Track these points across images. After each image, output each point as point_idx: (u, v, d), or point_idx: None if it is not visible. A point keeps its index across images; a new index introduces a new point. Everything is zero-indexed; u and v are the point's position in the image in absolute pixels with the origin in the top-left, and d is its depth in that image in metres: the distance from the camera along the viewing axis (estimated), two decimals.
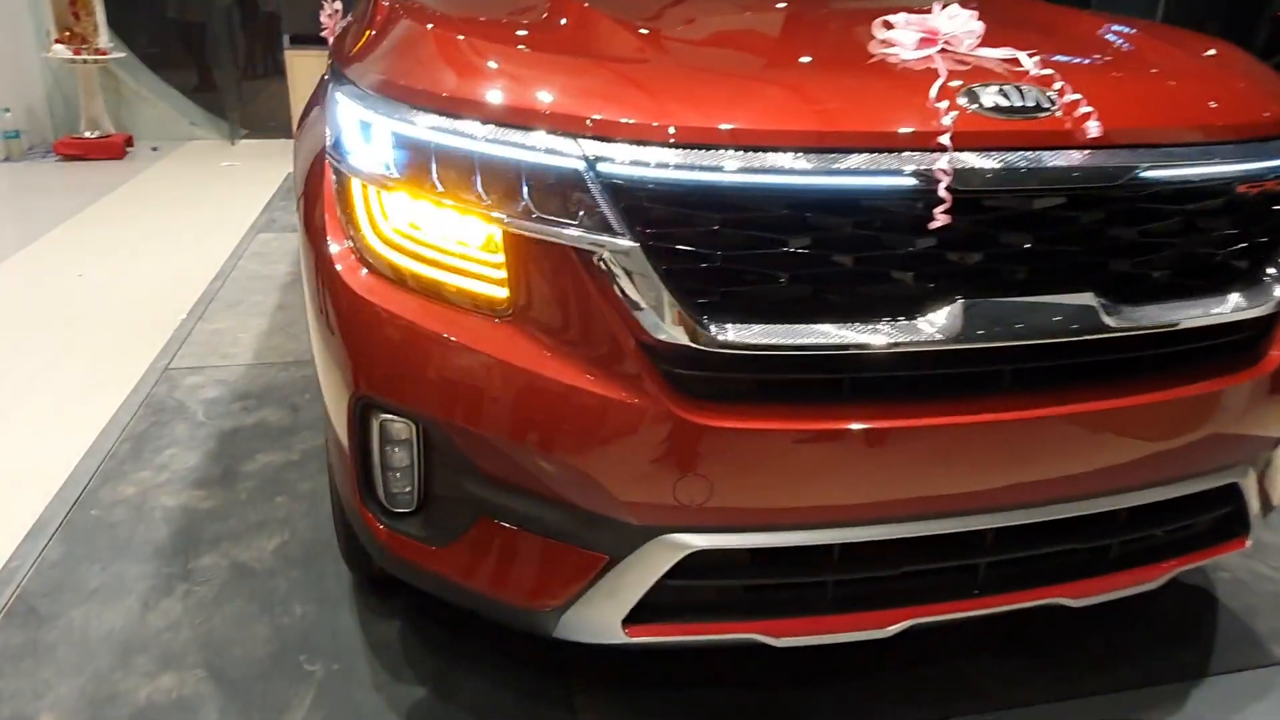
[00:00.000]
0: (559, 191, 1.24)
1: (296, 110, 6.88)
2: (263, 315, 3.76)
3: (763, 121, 1.22)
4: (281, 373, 3.21)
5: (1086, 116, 1.28)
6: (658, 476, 1.27)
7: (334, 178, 1.47)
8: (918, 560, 1.40)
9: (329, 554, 2.18)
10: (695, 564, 1.33)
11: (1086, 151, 1.28)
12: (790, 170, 1.20)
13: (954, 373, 1.31)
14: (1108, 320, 1.31)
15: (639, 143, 1.21)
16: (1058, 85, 1.32)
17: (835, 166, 1.21)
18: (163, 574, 2.10)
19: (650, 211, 1.22)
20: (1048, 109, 1.29)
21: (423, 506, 1.46)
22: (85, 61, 6.65)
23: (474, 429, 1.33)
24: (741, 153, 1.20)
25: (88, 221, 5.19)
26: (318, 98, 1.97)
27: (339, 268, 1.39)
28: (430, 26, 1.54)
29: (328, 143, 1.50)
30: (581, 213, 1.23)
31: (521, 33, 1.58)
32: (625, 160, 1.21)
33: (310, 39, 6.77)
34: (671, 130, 1.21)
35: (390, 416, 1.39)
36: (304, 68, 6.81)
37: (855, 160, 1.22)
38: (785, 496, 1.30)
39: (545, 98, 1.27)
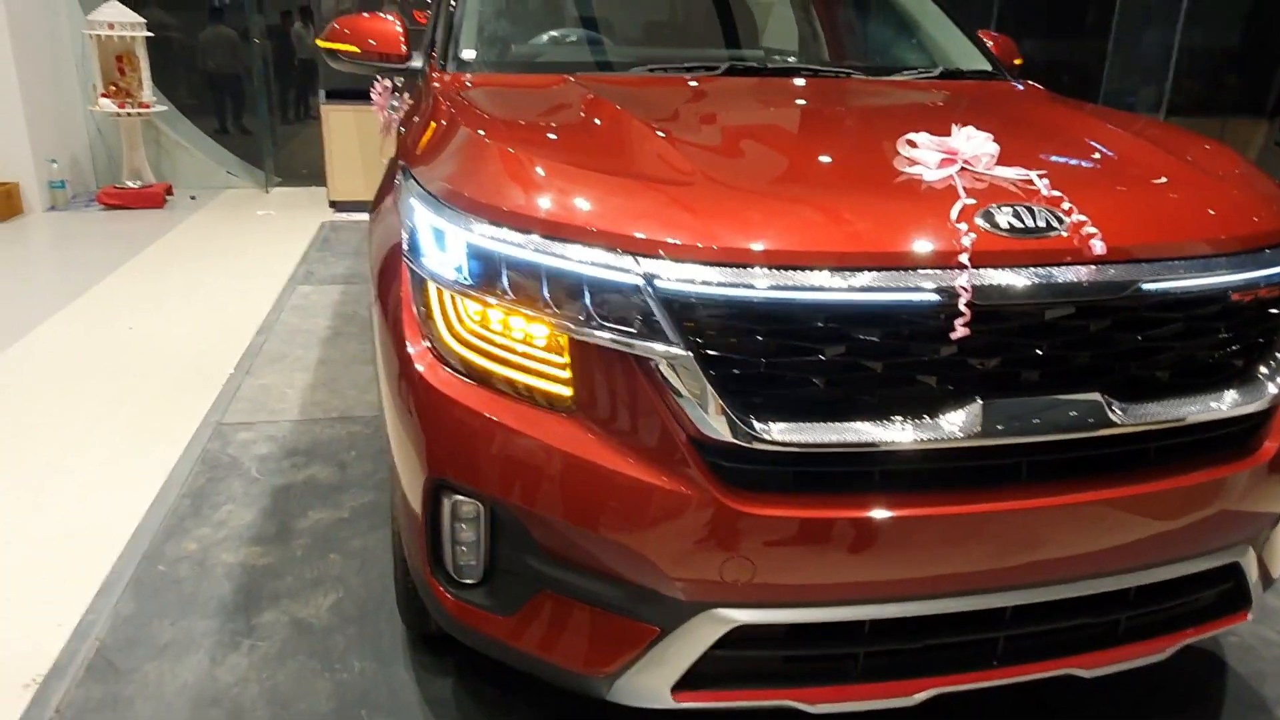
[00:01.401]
0: (620, 304, 1.39)
1: (331, 165, 7.15)
2: (306, 370, 3.94)
3: (800, 242, 1.38)
4: (327, 429, 3.37)
5: (1092, 236, 1.43)
6: (706, 558, 1.41)
7: (410, 277, 1.63)
8: (942, 634, 1.53)
9: (382, 611, 2.32)
10: (739, 636, 1.46)
11: (1093, 267, 1.43)
12: (826, 287, 1.35)
13: (974, 465, 1.45)
14: (1114, 417, 1.45)
15: (691, 262, 1.37)
16: (1065, 206, 1.47)
17: (865, 284, 1.36)
18: (227, 630, 2.24)
19: (701, 322, 1.37)
20: (1057, 228, 1.44)
21: (487, 578, 1.60)
22: (130, 115, 6.93)
23: (538, 511, 1.47)
24: (781, 271, 1.35)
25: (134, 272, 5.41)
26: (388, 187, 2.14)
27: (417, 363, 1.54)
28: (492, 140, 1.71)
29: (403, 243, 1.66)
30: (640, 323, 1.38)
31: (572, 145, 1.74)
32: (679, 278, 1.36)
33: (347, 94, 7.06)
34: (719, 250, 1.37)
35: (461, 497, 1.54)
36: (340, 122, 7.10)
37: (883, 278, 1.37)
38: (821, 576, 1.44)
39: (607, 219, 1.43)
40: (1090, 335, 1.46)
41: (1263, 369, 1.57)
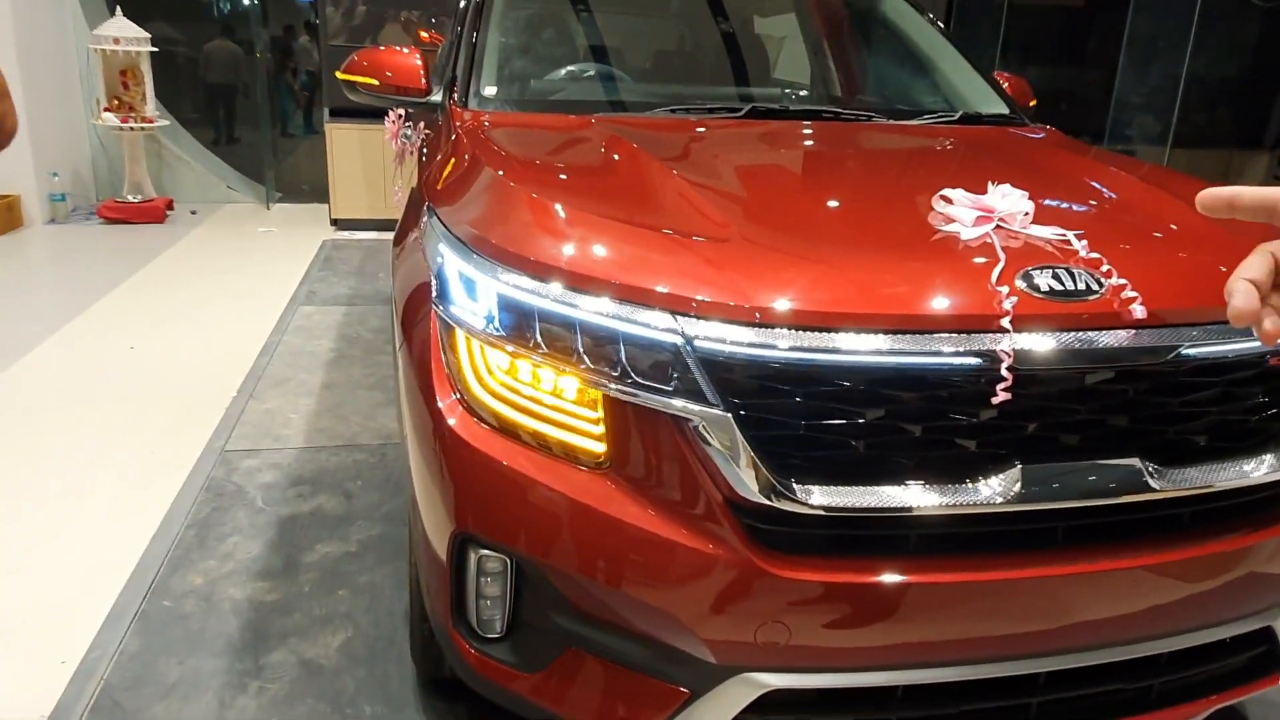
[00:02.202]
0: (658, 362, 1.37)
1: (334, 183, 7.13)
2: (310, 395, 3.90)
3: (842, 304, 1.36)
4: (333, 457, 3.34)
5: (1132, 300, 1.42)
6: (740, 621, 1.39)
7: (439, 323, 1.61)
8: (975, 699, 1.50)
9: (392, 652, 2.28)
10: (771, 700, 1.44)
11: (1132, 331, 1.42)
12: (867, 351, 1.34)
13: (1010, 529, 1.43)
14: (1152, 482, 1.44)
15: (732, 322, 1.35)
16: (1105, 268, 1.46)
17: (907, 347, 1.35)
18: (235, 670, 2.20)
19: (739, 383, 1.35)
20: (1097, 291, 1.43)
21: (511, 633, 1.57)
22: (133, 129, 6.91)
23: (568, 570, 1.44)
24: (823, 334, 1.34)
25: (134, 289, 5.37)
26: (411, 222, 2.12)
27: (446, 414, 1.52)
28: (524, 186, 1.69)
29: (432, 290, 1.64)
30: (678, 383, 1.36)
31: (605, 195, 1.73)
32: (719, 338, 1.35)
33: (352, 112, 7.05)
34: (760, 311, 1.35)
35: (488, 552, 1.51)
36: (344, 141, 7.09)
37: (924, 341, 1.35)
38: (857, 640, 1.41)
39: (646, 275, 1.41)
40: (1129, 400, 1.45)
41: None
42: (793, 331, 1.34)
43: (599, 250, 1.48)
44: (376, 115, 7.26)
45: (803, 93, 3.25)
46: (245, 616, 2.40)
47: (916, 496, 1.38)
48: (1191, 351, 1.44)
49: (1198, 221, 1.73)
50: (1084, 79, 7.74)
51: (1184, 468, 1.48)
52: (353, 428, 3.60)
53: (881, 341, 1.35)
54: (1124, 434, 1.46)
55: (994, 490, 1.39)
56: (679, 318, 1.37)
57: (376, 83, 2.56)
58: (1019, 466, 1.40)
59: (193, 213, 7.43)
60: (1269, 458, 1.53)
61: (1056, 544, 1.46)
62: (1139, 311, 1.41)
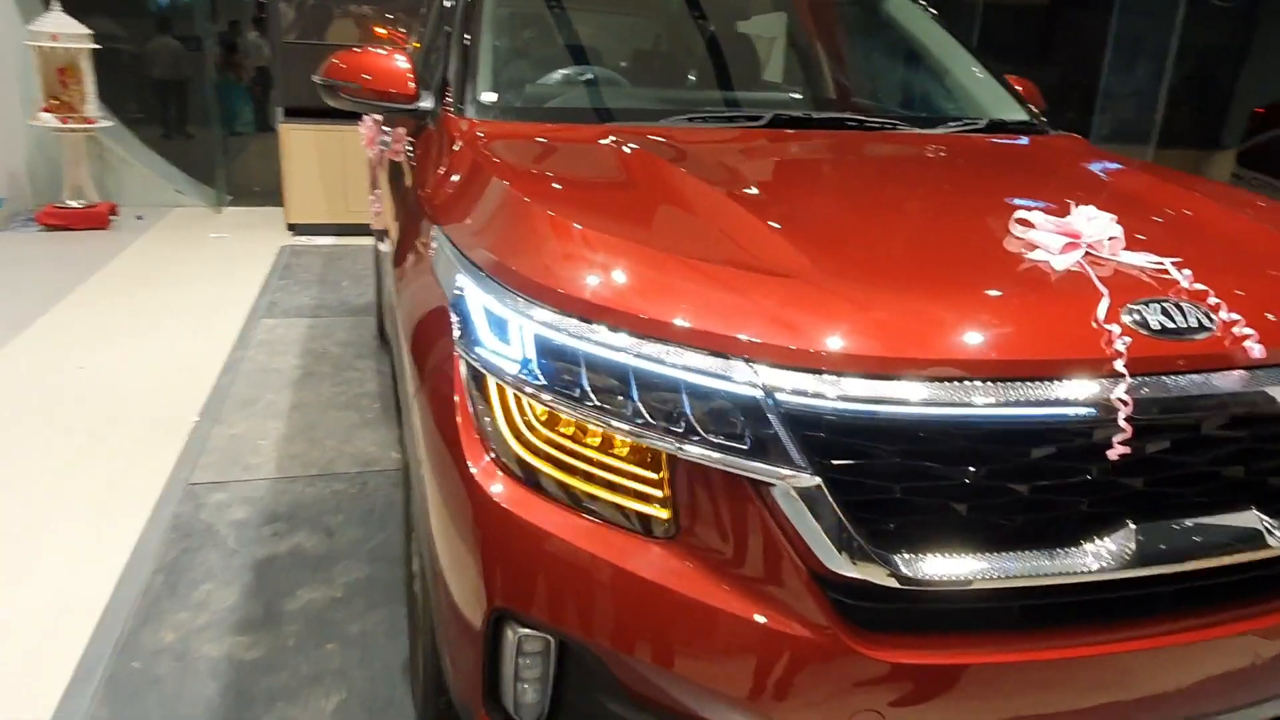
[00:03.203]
0: (733, 419, 1.20)
1: (290, 186, 6.81)
2: (279, 417, 3.65)
3: (945, 351, 1.20)
4: (309, 488, 3.10)
5: (1247, 337, 1.28)
6: (830, 711, 1.22)
7: (465, 371, 1.41)
8: None
9: (391, 713, 2.07)
10: None
11: (1248, 372, 1.28)
12: (975, 403, 1.18)
13: (1120, 596, 1.29)
14: (1270, 539, 1.30)
15: (821, 372, 1.18)
16: (1212, 300, 1.32)
17: (1017, 397, 1.19)
18: None
19: (831, 443, 1.18)
20: (1209, 328, 1.29)
21: (553, 718, 1.39)
22: (72, 130, 6.52)
23: (627, 653, 1.26)
24: (927, 384, 1.18)
25: (80, 302, 5.03)
26: (411, 241, 1.91)
27: (482, 479, 1.33)
28: (558, 212, 1.50)
29: (453, 328, 1.45)
30: (757, 442, 1.19)
31: (650, 221, 1.55)
32: (807, 391, 1.17)
33: (307, 112, 6.74)
34: (855, 360, 1.18)
35: (530, 632, 1.33)
36: (299, 142, 6.78)
37: (1036, 390, 1.20)
38: None
39: (718, 318, 1.23)
40: (1243, 449, 1.31)
41: None
42: (894, 382, 1.17)
43: (656, 287, 1.29)
44: (334, 115, 6.95)
45: (826, 98, 3.11)
46: (225, 678, 2.17)
47: (1024, 564, 1.22)
48: None
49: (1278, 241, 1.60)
50: (1062, 79, 7.76)
51: None
52: (328, 453, 3.36)
53: (990, 392, 1.19)
54: (1237, 485, 1.32)
55: (1108, 554, 1.24)
56: (759, 368, 1.20)
57: (359, 87, 2.33)
58: (1131, 527, 1.26)
59: (138, 218, 7.04)
60: None
61: (1166, 609, 1.32)
62: (1256, 351, 1.28)
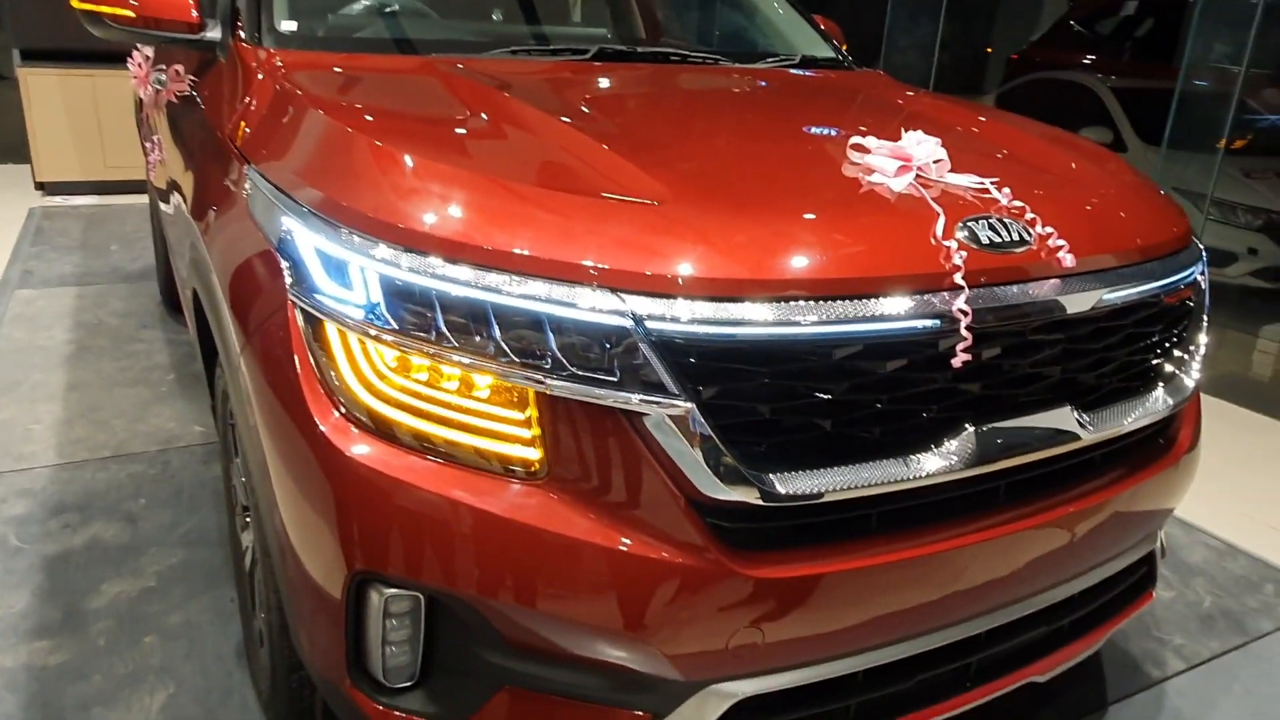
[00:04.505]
0: (603, 351, 1.16)
1: (36, 141, 6.02)
2: (53, 399, 3.24)
3: (808, 271, 1.23)
4: (100, 472, 2.78)
5: (1060, 248, 1.40)
6: (713, 631, 1.24)
7: (302, 320, 1.29)
8: (928, 669, 1.46)
9: (232, 703, 1.92)
10: (737, 709, 1.31)
11: (1061, 280, 1.40)
12: (837, 319, 1.21)
13: (960, 495, 1.39)
14: (1082, 431, 1.44)
15: (691, 298, 1.17)
16: (1029, 216, 1.42)
17: (873, 313, 1.23)
18: None
19: (702, 369, 1.18)
20: (1028, 241, 1.39)
21: (427, 679, 1.33)
22: None
23: (505, 601, 1.22)
24: (794, 304, 1.20)
25: None
26: (215, 187, 1.72)
27: (332, 435, 1.22)
28: (396, 144, 1.38)
29: (285, 278, 1.31)
30: (628, 371, 1.16)
31: (496, 152, 1.47)
32: (678, 317, 1.16)
33: (49, 55, 5.92)
34: (721, 283, 1.18)
35: (397, 591, 1.25)
36: (43, 89, 5.99)
37: (889, 305, 1.25)
38: (828, 630, 1.31)
39: (581, 247, 1.19)
40: (1060, 351, 1.43)
41: (1182, 367, 1.63)
42: (761, 304, 1.18)
43: (514, 218, 1.23)
44: (83, 58, 6.18)
45: (638, 38, 3.07)
46: (27, 690, 1.92)
47: (880, 473, 1.28)
48: (1110, 296, 1.45)
49: (1083, 168, 1.75)
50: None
51: (1102, 413, 1.50)
52: (118, 434, 3.02)
53: (844, 309, 1.22)
54: (1055, 386, 1.45)
55: (951, 456, 1.33)
56: (626, 295, 1.17)
57: (131, 14, 2.05)
58: (969, 430, 1.35)
59: None
60: (1162, 394, 1.60)
61: (1000, 502, 1.43)
62: (1068, 260, 1.39)
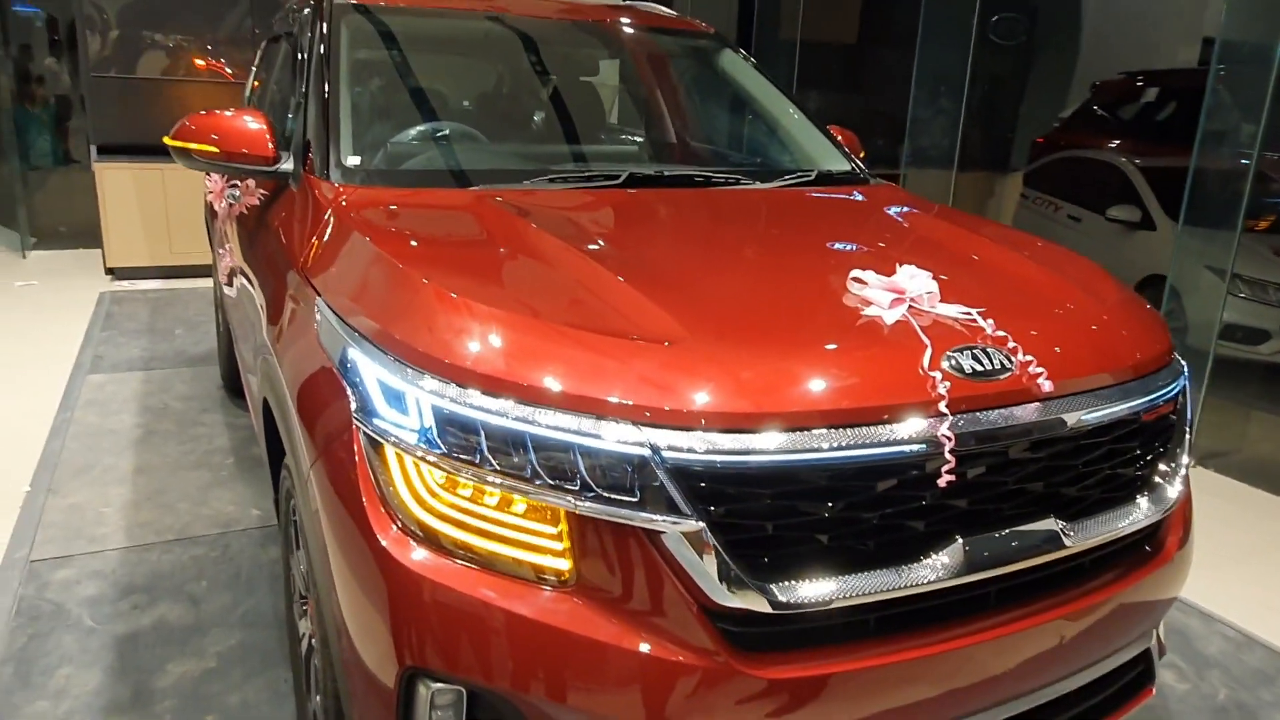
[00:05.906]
0: (624, 476, 1.34)
1: (109, 228, 6.42)
2: (122, 483, 3.48)
3: (810, 403, 1.40)
4: (165, 555, 2.99)
5: (1039, 375, 1.55)
6: None
7: (365, 442, 1.48)
8: None
9: None
10: None
11: (1040, 404, 1.55)
12: (835, 447, 1.38)
13: (954, 600, 1.52)
14: (1066, 540, 1.57)
15: (701, 429, 1.34)
16: (1011, 345, 1.58)
17: (869, 439, 1.40)
18: None
19: (713, 492, 1.35)
20: (1009, 368, 1.54)
21: None
22: None
23: (539, 698, 1.37)
24: (796, 434, 1.36)
25: None
26: (286, 302, 1.95)
27: (388, 545, 1.40)
28: (446, 287, 1.58)
29: (350, 403, 1.51)
30: (647, 495, 1.33)
31: (531, 291, 1.67)
32: (689, 447, 1.33)
33: (123, 149, 6.38)
34: (728, 416, 1.35)
35: (442, 686, 1.41)
36: (117, 181, 6.42)
37: (880, 432, 1.41)
38: None
39: (605, 386, 1.37)
40: (1042, 467, 1.57)
41: (1165, 477, 1.76)
42: (768, 434, 1.35)
43: (549, 357, 1.42)
44: (152, 152, 6.63)
45: (667, 144, 3.31)
46: None
47: (876, 581, 1.43)
48: (1089, 416, 1.59)
49: (1067, 290, 1.89)
50: (871, 107, 8.51)
51: (1086, 523, 1.63)
52: (182, 517, 3.24)
53: (842, 437, 1.39)
54: (1039, 499, 1.59)
55: (943, 566, 1.47)
56: (643, 428, 1.34)
57: (216, 150, 2.32)
58: (960, 541, 1.49)
59: None
60: (1146, 502, 1.72)
61: (991, 607, 1.56)
62: (1046, 385, 1.54)
